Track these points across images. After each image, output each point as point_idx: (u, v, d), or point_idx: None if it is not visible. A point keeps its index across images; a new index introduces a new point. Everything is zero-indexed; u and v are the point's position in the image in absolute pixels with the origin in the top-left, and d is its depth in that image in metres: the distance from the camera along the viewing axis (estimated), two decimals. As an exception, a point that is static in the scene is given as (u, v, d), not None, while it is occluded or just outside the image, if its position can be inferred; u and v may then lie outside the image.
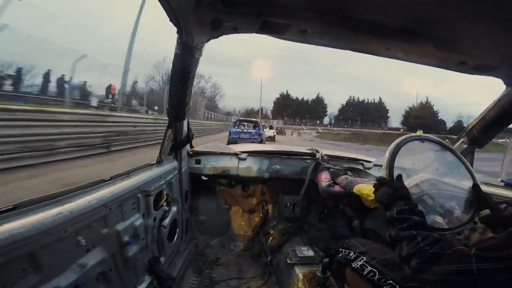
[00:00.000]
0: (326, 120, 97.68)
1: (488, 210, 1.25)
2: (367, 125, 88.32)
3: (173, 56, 1.61)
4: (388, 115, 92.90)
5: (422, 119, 73.55)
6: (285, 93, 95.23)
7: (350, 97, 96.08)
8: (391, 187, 1.14)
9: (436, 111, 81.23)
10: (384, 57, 1.59)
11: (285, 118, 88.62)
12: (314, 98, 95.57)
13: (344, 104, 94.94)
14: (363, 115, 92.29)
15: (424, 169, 1.38)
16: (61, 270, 1.04)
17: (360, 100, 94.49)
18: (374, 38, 1.39)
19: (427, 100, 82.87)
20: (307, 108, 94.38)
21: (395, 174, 1.25)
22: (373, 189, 1.49)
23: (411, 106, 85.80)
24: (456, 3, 1.01)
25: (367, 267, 1.30)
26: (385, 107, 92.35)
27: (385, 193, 1.13)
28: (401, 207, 1.03)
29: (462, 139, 1.94)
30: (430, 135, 1.44)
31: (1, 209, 0.84)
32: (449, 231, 1.26)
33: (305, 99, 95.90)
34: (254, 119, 24.33)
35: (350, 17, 1.25)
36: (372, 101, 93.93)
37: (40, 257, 0.91)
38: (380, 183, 1.20)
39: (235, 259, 2.59)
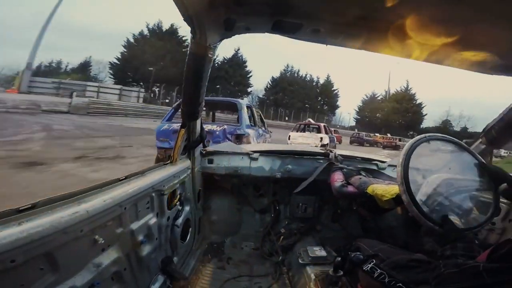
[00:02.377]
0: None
1: (505, 184, 1.24)
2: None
3: (187, 56, 1.61)
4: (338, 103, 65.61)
5: (400, 112, 57.87)
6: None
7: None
8: (440, 236, 1.22)
9: (420, 104, 60.38)
10: (401, 58, 1.56)
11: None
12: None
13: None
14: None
15: (440, 169, 1.36)
16: (77, 269, 1.05)
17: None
18: (391, 38, 1.36)
19: (407, 86, 61.39)
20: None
21: (410, 174, 1.24)
22: (388, 190, 1.48)
23: (374, 95, 65.56)
24: (476, 2, 0.99)
25: (377, 270, 1.29)
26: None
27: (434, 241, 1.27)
28: (445, 247, 1.10)
29: (480, 140, 1.89)
30: (446, 136, 1.41)
31: (20, 208, 0.85)
32: (467, 231, 1.24)
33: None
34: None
35: (366, 17, 1.23)
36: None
37: (57, 257, 0.92)
38: (429, 232, 1.33)
39: (246, 258, 2.59)
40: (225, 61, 57.74)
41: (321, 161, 2.54)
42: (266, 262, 2.52)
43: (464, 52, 1.38)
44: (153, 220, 1.62)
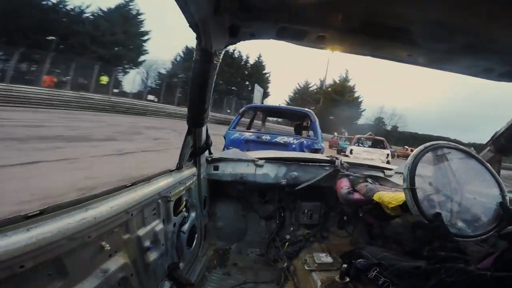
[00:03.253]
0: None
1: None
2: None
3: (192, 63, 1.63)
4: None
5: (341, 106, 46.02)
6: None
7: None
8: (427, 229, 1.20)
9: (358, 98, 50.99)
10: (405, 63, 1.56)
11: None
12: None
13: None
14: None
15: (447, 177, 1.35)
16: (85, 275, 1.05)
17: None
18: (396, 44, 1.37)
19: (346, 75, 51.65)
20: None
21: (417, 182, 1.23)
22: (394, 197, 1.47)
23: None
24: (483, 9, 0.99)
25: (381, 278, 1.29)
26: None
27: (421, 235, 1.24)
28: (433, 245, 1.09)
29: (488, 147, 1.88)
30: (454, 143, 1.41)
31: (29, 214, 0.86)
32: (474, 238, 1.23)
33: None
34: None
35: (373, 23, 1.24)
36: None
37: (65, 262, 0.93)
38: (416, 226, 1.29)
39: (251, 264, 2.59)
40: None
41: (327, 168, 2.53)
42: (271, 268, 2.51)
43: (472, 59, 1.38)
44: (160, 227, 1.62)
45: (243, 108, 6.54)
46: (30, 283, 0.82)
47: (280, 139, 5.62)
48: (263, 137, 5.67)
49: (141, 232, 1.43)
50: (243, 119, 6.66)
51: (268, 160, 2.62)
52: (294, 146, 5.45)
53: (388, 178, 2.41)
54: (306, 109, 6.86)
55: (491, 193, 1.33)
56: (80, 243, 0.98)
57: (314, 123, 6.05)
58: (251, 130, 7.02)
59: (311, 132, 6.65)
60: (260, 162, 2.58)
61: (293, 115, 8.01)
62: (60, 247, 0.89)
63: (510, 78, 1.49)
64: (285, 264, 2.44)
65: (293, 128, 7.73)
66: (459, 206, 1.29)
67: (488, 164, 1.37)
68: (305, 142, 5.60)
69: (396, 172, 2.53)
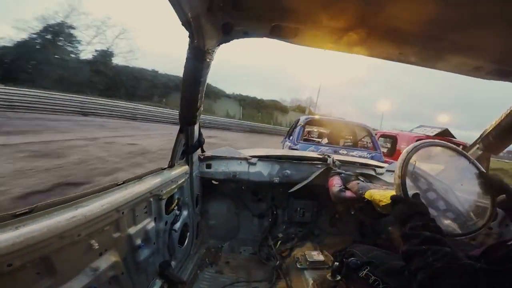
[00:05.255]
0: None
1: (504, 195, 1.23)
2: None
3: (185, 61, 1.62)
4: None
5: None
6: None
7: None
8: (407, 204, 1.13)
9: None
10: (397, 62, 1.57)
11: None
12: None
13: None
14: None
15: (438, 175, 1.37)
16: (74, 273, 1.04)
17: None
18: (387, 43, 1.38)
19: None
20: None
21: (408, 179, 1.24)
22: (385, 194, 1.48)
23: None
24: (473, 7, 1.00)
25: (371, 277, 1.30)
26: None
27: (400, 210, 1.12)
28: (415, 223, 1.02)
29: (477, 145, 1.90)
30: (446, 142, 1.42)
31: (17, 213, 0.85)
32: (463, 236, 1.24)
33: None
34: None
35: (365, 22, 1.24)
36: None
37: (54, 261, 0.92)
38: (395, 201, 1.19)
39: (244, 263, 2.59)
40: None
41: (319, 166, 2.54)
42: (264, 266, 2.51)
43: (462, 57, 1.40)
44: (151, 225, 1.61)
45: (304, 119, 6.29)
46: (18, 282, 0.81)
47: (356, 153, 5.63)
48: (340, 152, 5.51)
49: (132, 230, 1.43)
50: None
51: (261, 158, 2.62)
52: None
53: (379, 176, 2.43)
54: (363, 123, 6.82)
55: (480, 191, 1.34)
56: (69, 242, 0.97)
57: (373, 137, 6.16)
58: (325, 144, 6.69)
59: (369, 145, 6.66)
60: (253, 160, 2.58)
61: (350, 128, 7.59)
62: (49, 246, 0.88)
63: (498, 76, 1.51)
64: (278, 263, 2.45)
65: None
66: (448, 204, 1.30)
67: (477, 163, 1.39)
68: (375, 156, 5.58)
69: (387, 170, 2.55)
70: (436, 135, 7.74)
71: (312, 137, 11.42)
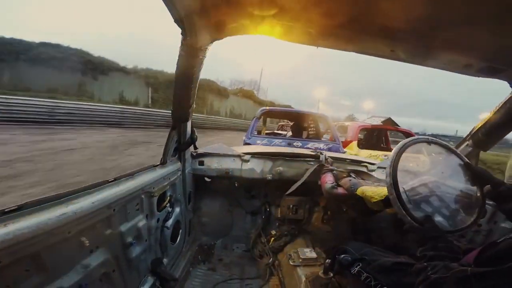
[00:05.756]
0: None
1: (489, 186, 1.26)
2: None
3: (177, 58, 1.61)
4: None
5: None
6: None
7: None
8: (419, 233, 1.20)
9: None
10: (388, 59, 1.58)
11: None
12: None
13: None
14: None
15: (428, 171, 1.38)
16: (65, 270, 1.04)
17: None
18: (379, 40, 1.39)
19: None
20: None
21: (399, 175, 1.25)
22: (377, 191, 1.49)
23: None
24: (463, 6, 1.01)
25: (363, 273, 1.31)
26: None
27: (416, 237, 1.22)
28: (425, 247, 1.09)
29: (467, 142, 1.93)
30: (435, 139, 1.43)
31: (6, 210, 0.84)
32: (453, 233, 1.26)
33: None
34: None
35: (357, 20, 1.25)
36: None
37: (44, 258, 0.92)
38: (410, 230, 1.26)
39: (237, 260, 2.60)
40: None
41: (312, 163, 2.55)
42: (257, 263, 2.52)
43: (452, 54, 1.41)
44: (143, 222, 1.61)
45: (260, 111, 6.12)
46: (7, 278, 0.81)
47: (311, 145, 5.37)
48: (294, 144, 5.34)
49: (124, 227, 1.42)
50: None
51: (254, 155, 2.62)
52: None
53: (370, 172, 2.45)
54: (322, 113, 6.66)
55: (469, 187, 1.36)
56: (59, 239, 0.97)
57: (333, 128, 5.99)
58: (279, 137, 6.58)
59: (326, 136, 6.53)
60: (246, 157, 2.58)
61: (309, 119, 7.47)
62: (38, 243, 0.88)
63: (488, 74, 1.53)
64: (271, 260, 2.46)
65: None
66: (439, 200, 1.32)
67: (466, 159, 1.41)
68: (333, 147, 5.47)
69: (378, 167, 2.57)
70: (383, 122, 8.05)
71: (286, 130, 10.89)
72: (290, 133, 7.34)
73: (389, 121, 8.17)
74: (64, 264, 1.04)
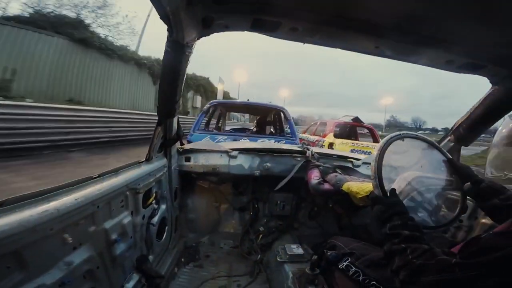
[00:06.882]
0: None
1: (469, 183, 1.27)
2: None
3: (163, 54, 1.59)
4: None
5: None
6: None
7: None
8: (384, 204, 1.14)
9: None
10: (373, 56, 1.60)
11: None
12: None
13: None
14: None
15: (412, 166, 1.40)
16: (47, 268, 1.02)
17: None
18: (364, 37, 1.40)
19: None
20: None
21: (384, 172, 1.26)
22: (362, 187, 1.51)
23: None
24: (444, 2, 1.03)
25: (351, 268, 1.33)
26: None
27: (379, 210, 1.13)
28: (394, 223, 1.04)
29: (448, 137, 1.97)
30: (418, 134, 1.46)
31: None
32: (436, 229, 1.29)
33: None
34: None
35: (342, 16, 1.26)
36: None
37: (25, 255, 0.90)
38: (374, 201, 1.19)
39: (225, 257, 2.60)
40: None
41: (299, 158, 2.56)
42: (245, 260, 2.53)
43: (434, 51, 1.44)
44: (128, 219, 1.59)
45: (208, 105, 5.74)
46: None
47: (261, 141, 5.08)
48: (241, 140, 5.03)
49: (108, 224, 1.40)
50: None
51: (242, 151, 2.62)
52: None
53: (355, 168, 2.48)
54: (279, 105, 6.49)
55: (452, 183, 1.39)
56: (41, 236, 0.95)
57: (290, 121, 5.83)
58: (224, 132, 6.23)
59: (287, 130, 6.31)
60: (234, 153, 2.57)
61: (265, 112, 7.40)
62: (20, 240, 0.86)
63: (468, 70, 1.57)
64: (259, 256, 2.47)
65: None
66: (421, 196, 1.34)
67: (449, 155, 1.44)
68: (287, 142, 5.23)
69: (363, 163, 2.60)
70: (352, 119, 10.18)
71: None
72: (254, 129, 7.05)
73: (356, 119, 10.18)
74: (46, 261, 1.02)
